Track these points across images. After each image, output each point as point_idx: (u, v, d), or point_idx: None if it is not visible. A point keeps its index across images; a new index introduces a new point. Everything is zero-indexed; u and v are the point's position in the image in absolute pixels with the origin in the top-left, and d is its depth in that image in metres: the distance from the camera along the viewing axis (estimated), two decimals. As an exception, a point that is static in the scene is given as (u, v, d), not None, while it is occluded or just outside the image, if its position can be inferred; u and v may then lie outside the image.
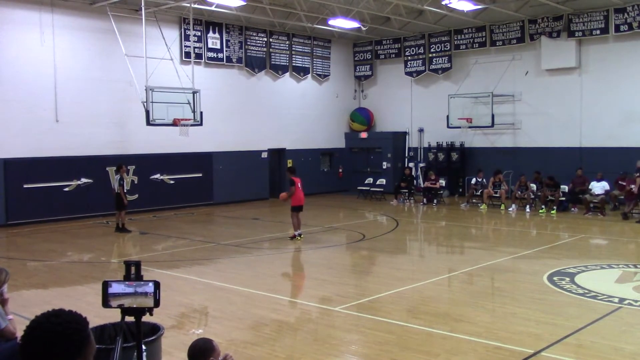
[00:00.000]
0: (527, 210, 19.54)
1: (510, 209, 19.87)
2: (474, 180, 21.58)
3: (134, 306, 3.32)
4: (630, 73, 20.13)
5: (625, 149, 19.89)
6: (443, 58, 24.44)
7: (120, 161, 17.09)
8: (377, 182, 23.96)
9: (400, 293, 9.51)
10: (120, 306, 3.32)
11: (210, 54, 21.72)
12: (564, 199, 19.25)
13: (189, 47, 20.35)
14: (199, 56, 21.09)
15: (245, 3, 19.51)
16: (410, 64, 25.43)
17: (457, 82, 23.86)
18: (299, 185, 14.53)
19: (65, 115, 18.03)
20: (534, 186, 19.96)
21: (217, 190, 21.91)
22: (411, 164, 25.08)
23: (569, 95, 21.49)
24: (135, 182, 19.57)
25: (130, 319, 3.42)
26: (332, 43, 26.18)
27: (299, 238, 14.37)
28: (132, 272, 3.47)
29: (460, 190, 23.85)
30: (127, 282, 3.34)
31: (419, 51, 25.09)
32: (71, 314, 2.32)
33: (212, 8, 19.70)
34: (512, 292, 9.52)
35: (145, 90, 17.20)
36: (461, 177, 24.07)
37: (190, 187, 21.06)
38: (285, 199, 14.94)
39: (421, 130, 25.63)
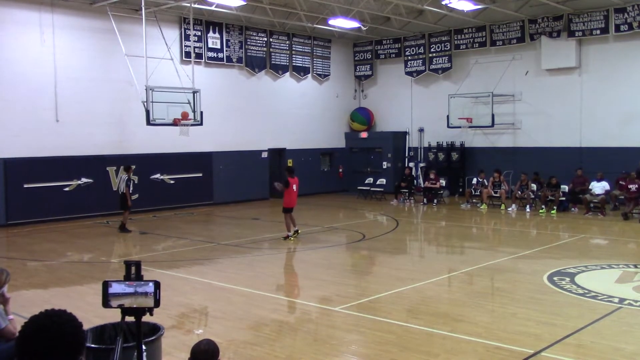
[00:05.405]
0: (527, 210, 19.54)
1: (510, 209, 19.87)
2: (474, 180, 21.60)
3: (134, 306, 3.32)
4: (630, 73, 20.13)
5: (625, 149, 19.89)
6: (443, 58, 24.44)
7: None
8: (377, 182, 23.95)
9: (400, 293, 9.50)
10: (120, 306, 3.32)
11: (211, 54, 21.72)
12: (564, 199, 19.24)
13: (189, 47, 20.35)
14: (199, 56, 21.09)
15: (245, 3, 19.51)
16: (410, 63, 25.43)
17: (457, 82, 23.86)
18: (294, 187, 14.45)
19: (65, 115, 18.03)
20: (534, 186, 19.95)
21: (217, 190, 21.91)
22: (411, 164, 25.09)
23: (569, 95, 21.49)
24: (135, 182, 19.54)
25: (130, 319, 3.42)
26: (332, 43, 26.17)
27: (291, 238, 14.36)
28: (132, 272, 3.47)
29: (460, 190, 23.85)
30: (127, 282, 3.34)
31: (419, 51, 25.09)
32: (69, 314, 2.32)
33: (212, 8, 19.71)
34: (512, 292, 9.51)
35: (145, 90, 17.19)
36: (461, 177, 24.08)
37: (190, 187, 21.06)
38: (280, 190, 14.84)
39: (421, 130, 25.63)
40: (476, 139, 23.99)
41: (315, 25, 23.40)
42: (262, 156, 23.58)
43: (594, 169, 19.36)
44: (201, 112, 18.51)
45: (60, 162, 17.92)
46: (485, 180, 21.07)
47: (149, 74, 17.17)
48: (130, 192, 16.13)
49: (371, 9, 21.80)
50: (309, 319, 8.40)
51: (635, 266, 11.23)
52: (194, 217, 19.33)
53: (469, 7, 19.89)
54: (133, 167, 16.58)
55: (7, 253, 13.79)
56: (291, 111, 24.50)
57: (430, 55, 24.79)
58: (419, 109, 25.58)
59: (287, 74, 24.50)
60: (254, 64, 23.16)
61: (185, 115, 17.83)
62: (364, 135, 26.44)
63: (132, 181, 16.36)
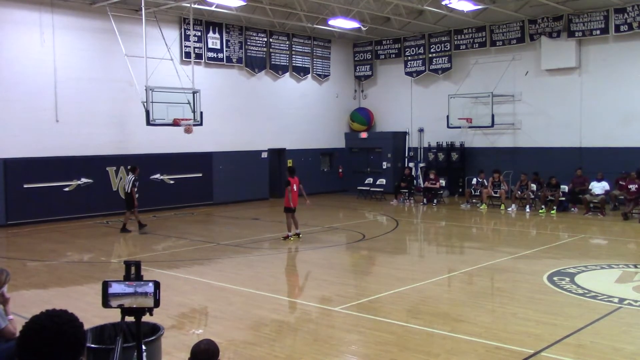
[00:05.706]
0: (527, 210, 19.54)
1: (510, 209, 19.86)
2: (474, 180, 21.60)
3: (134, 306, 3.32)
4: (630, 73, 20.13)
5: (625, 149, 19.89)
6: (443, 58, 24.44)
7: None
8: (377, 182, 23.95)
9: (400, 293, 9.50)
10: (120, 306, 3.32)
11: (210, 54, 21.72)
12: (563, 199, 19.24)
13: (189, 47, 20.35)
14: (199, 56, 21.08)
15: (245, 3, 19.50)
16: (410, 64, 25.43)
17: (457, 82, 23.86)
18: (294, 187, 14.46)
19: (65, 115, 18.03)
20: (534, 186, 19.95)
21: (217, 190, 21.91)
22: (411, 164, 25.09)
23: (569, 95, 21.49)
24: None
25: (130, 319, 3.42)
26: (332, 43, 26.17)
27: (291, 238, 14.36)
28: (132, 272, 3.48)
29: (460, 190, 23.84)
30: (127, 282, 3.34)
31: (419, 51, 25.09)
32: (69, 314, 2.32)
33: (212, 8, 19.70)
34: (512, 292, 9.52)
35: (145, 90, 17.19)
36: (461, 177, 24.08)
37: (190, 187, 21.06)
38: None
39: (421, 130, 25.63)
40: (476, 139, 24.00)
41: (315, 26, 23.40)
42: (262, 156, 23.58)
43: (594, 169, 19.37)
44: (201, 112, 18.51)
45: (60, 162, 17.92)
46: (485, 180, 21.07)
47: (148, 74, 17.17)
48: (136, 191, 16.15)
49: (371, 9, 21.80)
50: (309, 319, 8.40)
51: (635, 266, 11.23)
52: (194, 217, 19.32)
53: (469, 7, 19.88)
54: (137, 167, 16.59)
55: (7, 253, 13.80)
56: (291, 111, 24.50)
57: (430, 55, 24.79)
58: (418, 109, 25.59)
59: (287, 74, 24.50)
60: (254, 64, 23.16)
61: (189, 130, 17.82)
62: (363, 135, 26.44)
63: (138, 181, 16.36)
